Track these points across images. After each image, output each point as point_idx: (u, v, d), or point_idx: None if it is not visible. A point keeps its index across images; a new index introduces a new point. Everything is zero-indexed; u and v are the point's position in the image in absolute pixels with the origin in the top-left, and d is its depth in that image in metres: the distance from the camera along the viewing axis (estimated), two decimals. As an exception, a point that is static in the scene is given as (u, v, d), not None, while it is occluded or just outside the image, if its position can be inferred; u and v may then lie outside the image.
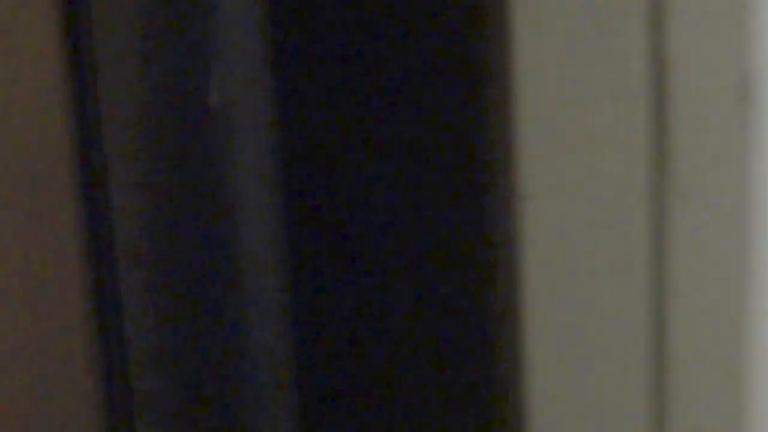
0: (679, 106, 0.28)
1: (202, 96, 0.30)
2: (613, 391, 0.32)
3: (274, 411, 0.35)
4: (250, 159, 0.32)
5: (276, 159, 0.32)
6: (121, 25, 0.26)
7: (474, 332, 0.34)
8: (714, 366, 0.29)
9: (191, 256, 0.34)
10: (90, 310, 0.37)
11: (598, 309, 0.31)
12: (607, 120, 0.29)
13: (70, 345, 0.38)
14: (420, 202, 0.32)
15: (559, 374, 0.33)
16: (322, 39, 0.30)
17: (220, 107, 0.30)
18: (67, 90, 0.31)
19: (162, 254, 0.34)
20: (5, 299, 0.37)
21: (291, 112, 0.32)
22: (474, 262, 0.33)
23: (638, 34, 0.27)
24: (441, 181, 0.31)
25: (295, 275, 0.34)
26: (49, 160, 0.35)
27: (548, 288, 0.31)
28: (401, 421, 0.36)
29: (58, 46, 0.31)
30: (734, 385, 0.30)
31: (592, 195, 0.30)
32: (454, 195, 0.31)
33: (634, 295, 0.30)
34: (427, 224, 0.32)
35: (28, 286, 0.37)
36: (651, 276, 0.30)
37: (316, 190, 0.33)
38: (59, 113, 0.33)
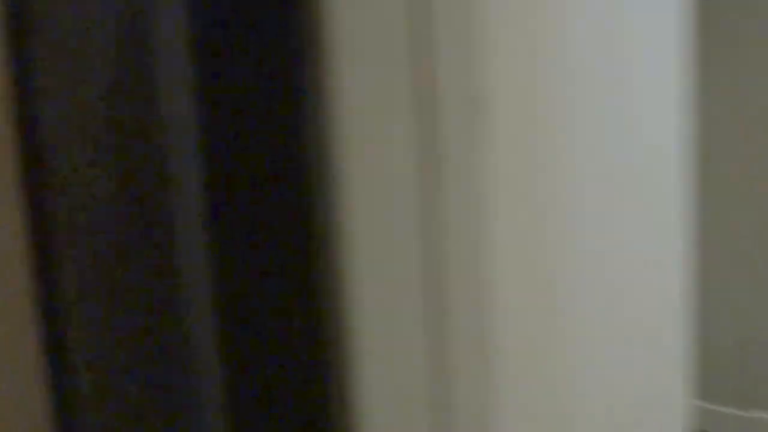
0: (442, 115, 0.41)
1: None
2: (401, 343, 0.44)
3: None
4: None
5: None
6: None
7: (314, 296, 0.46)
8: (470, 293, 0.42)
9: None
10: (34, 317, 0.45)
11: (386, 267, 0.43)
12: (395, 127, 0.42)
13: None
14: (259, 192, 0.44)
15: (377, 323, 0.44)
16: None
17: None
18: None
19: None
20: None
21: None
22: (306, 241, 0.45)
23: (404, 68, 0.41)
24: (277, 174, 0.44)
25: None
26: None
27: (364, 257, 0.44)
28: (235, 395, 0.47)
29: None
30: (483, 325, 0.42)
31: (385, 183, 0.43)
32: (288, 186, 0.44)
33: (411, 257, 0.43)
34: (262, 214, 0.44)
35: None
36: (426, 243, 0.43)
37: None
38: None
